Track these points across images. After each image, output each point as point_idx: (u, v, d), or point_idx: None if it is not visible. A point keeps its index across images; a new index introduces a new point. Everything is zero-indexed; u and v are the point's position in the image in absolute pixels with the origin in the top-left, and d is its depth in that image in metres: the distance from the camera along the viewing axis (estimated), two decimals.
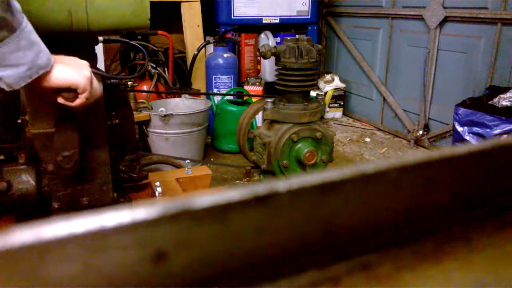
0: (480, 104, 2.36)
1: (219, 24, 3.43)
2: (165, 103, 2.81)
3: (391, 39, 3.39)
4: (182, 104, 2.85)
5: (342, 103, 3.90)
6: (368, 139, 3.40)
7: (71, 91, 0.91)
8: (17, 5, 0.81)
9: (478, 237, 0.32)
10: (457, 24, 2.80)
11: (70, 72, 0.90)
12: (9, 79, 0.81)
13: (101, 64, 3.11)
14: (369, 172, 0.27)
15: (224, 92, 3.09)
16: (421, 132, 3.10)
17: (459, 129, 2.38)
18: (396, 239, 0.31)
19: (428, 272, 0.29)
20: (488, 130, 2.23)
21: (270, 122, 2.16)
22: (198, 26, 3.40)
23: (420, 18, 3.02)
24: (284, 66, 2.07)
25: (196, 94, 3.05)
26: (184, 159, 2.03)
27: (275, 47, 2.07)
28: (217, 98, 3.08)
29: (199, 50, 3.19)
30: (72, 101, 0.93)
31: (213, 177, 2.17)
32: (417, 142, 3.18)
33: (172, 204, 0.23)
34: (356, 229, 0.29)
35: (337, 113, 3.92)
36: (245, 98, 3.10)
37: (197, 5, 3.36)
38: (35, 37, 0.84)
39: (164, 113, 2.51)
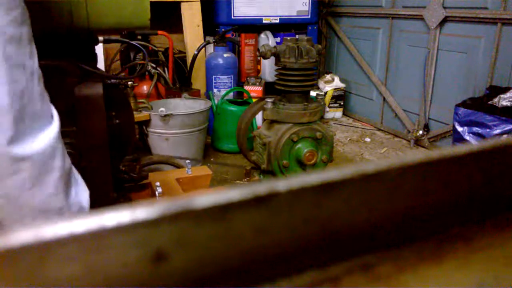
0: (480, 104, 2.36)
1: (219, 24, 3.43)
2: (165, 103, 2.81)
3: (391, 39, 3.39)
4: (182, 104, 2.85)
5: (342, 103, 3.90)
6: (368, 139, 3.40)
7: None
8: None
9: (478, 237, 0.32)
10: (457, 24, 2.80)
11: None
12: None
13: (101, 64, 3.11)
14: (369, 172, 0.27)
15: (224, 92, 3.09)
16: (421, 132, 3.10)
17: (459, 129, 2.38)
18: (396, 239, 0.31)
19: (428, 272, 0.29)
20: (488, 130, 2.23)
21: (270, 122, 2.16)
22: (198, 26, 3.40)
23: (420, 18, 3.02)
24: (284, 66, 2.07)
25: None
26: (185, 159, 2.03)
27: (275, 47, 2.07)
28: (217, 98, 3.08)
29: (199, 50, 3.19)
30: None
31: (213, 177, 2.18)
32: (417, 142, 3.18)
33: (172, 204, 0.23)
34: (356, 229, 0.29)
35: (337, 113, 3.92)
36: (245, 98, 3.10)
37: (197, 5, 3.36)
38: None
39: (164, 113, 2.51)
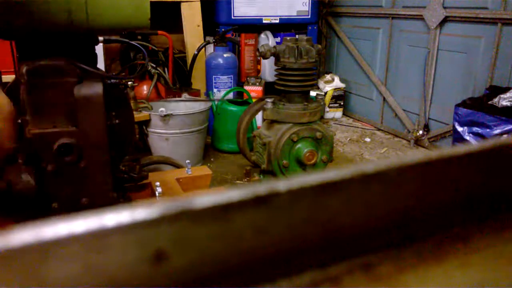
0: (480, 104, 2.36)
1: (219, 24, 3.43)
2: (165, 103, 2.81)
3: (391, 39, 3.38)
4: (182, 104, 2.85)
5: (342, 103, 3.90)
6: (368, 139, 3.40)
7: None
8: None
9: (478, 237, 0.32)
10: (457, 24, 2.80)
11: None
12: None
13: (101, 64, 3.11)
14: (369, 172, 0.27)
15: (224, 92, 3.09)
16: (421, 132, 3.10)
17: (459, 129, 2.38)
18: (396, 239, 0.31)
19: (428, 272, 0.29)
20: (488, 130, 2.23)
21: (270, 122, 2.16)
22: (198, 26, 3.40)
23: (420, 18, 3.02)
24: (283, 66, 2.07)
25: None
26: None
27: (274, 47, 2.07)
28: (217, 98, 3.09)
29: (199, 50, 3.19)
30: None
31: (213, 177, 2.18)
32: (417, 142, 3.18)
33: (172, 204, 0.23)
34: (356, 229, 0.29)
35: (337, 113, 3.91)
36: (245, 98, 3.10)
37: (197, 5, 3.36)
38: None
39: (164, 113, 2.51)
